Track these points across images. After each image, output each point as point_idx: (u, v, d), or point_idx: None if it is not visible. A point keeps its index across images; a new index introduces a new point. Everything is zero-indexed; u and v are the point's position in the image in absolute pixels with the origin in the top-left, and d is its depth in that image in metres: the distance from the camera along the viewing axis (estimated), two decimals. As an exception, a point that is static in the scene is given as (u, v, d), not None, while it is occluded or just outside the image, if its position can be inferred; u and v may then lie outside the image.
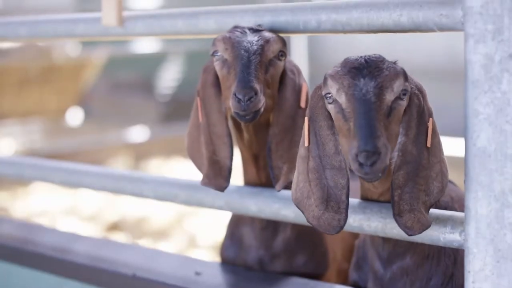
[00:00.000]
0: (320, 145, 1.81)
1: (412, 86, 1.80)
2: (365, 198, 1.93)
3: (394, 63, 1.79)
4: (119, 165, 6.66)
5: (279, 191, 2.08)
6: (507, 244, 1.63)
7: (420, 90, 1.82)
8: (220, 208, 2.22)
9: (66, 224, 4.77)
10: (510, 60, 1.59)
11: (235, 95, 1.93)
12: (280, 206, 2.08)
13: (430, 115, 1.82)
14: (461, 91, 1.73)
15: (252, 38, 2.04)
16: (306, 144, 1.83)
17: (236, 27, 2.09)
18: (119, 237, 4.52)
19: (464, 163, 1.68)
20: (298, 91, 2.11)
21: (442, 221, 1.80)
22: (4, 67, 8.09)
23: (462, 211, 1.96)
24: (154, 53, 10.33)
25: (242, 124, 2.11)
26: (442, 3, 1.78)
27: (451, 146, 4.73)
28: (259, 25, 2.10)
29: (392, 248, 1.94)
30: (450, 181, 2.12)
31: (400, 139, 1.75)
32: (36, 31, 2.72)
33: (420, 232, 1.75)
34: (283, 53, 2.07)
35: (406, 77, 1.76)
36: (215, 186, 2.09)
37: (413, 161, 1.76)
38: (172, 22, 2.33)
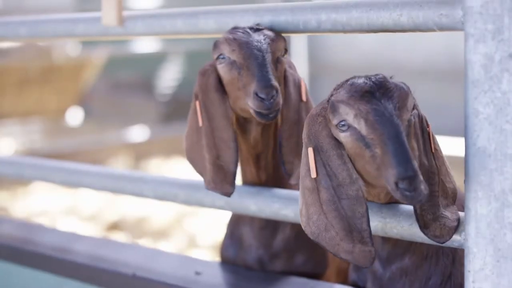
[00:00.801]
0: (332, 176, 1.75)
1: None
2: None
3: (391, 77, 1.77)
4: (119, 165, 6.66)
5: (295, 184, 2.07)
6: (507, 244, 1.63)
7: (414, 98, 1.80)
8: (220, 207, 2.22)
9: (66, 224, 4.77)
10: (510, 60, 1.59)
11: (256, 94, 1.91)
12: (280, 206, 2.08)
13: (426, 120, 1.81)
14: (461, 91, 1.73)
15: (258, 37, 2.03)
16: (314, 175, 1.77)
17: (235, 28, 2.08)
18: (119, 236, 4.52)
19: (464, 162, 1.68)
20: (298, 85, 2.12)
21: (442, 221, 1.79)
22: (4, 67, 8.10)
23: (460, 210, 1.96)
24: (154, 53, 10.34)
25: (254, 124, 2.11)
26: (442, 2, 1.77)
27: (451, 146, 4.73)
28: (258, 24, 2.10)
29: (391, 249, 1.94)
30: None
31: (416, 153, 1.73)
32: (36, 31, 2.72)
33: (451, 237, 1.74)
34: (286, 50, 2.08)
35: (410, 91, 1.75)
36: (221, 191, 2.08)
37: (426, 172, 1.74)
38: (172, 21, 2.33)
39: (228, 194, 2.07)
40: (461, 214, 1.78)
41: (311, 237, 1.79)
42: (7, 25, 2.82)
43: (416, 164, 1.59)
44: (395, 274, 1.95)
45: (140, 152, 7.03)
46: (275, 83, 1.93)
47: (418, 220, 1.73)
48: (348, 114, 1.70)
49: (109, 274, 2.41)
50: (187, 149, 2.18)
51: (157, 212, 5.01)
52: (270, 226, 2.26)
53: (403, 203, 1.63)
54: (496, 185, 1.63)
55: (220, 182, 2.08)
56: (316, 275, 2.27)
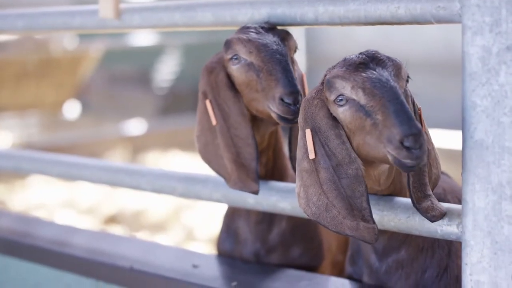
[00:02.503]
0: (331, 156, 1.76)
1: None
2: None
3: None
4: (117, 158, 6.65)
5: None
6: (504, 236, 1.63)
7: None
8: (218, 200, 2.22)
9: (63, 217, 4.77)
10: (508, 52, 1.59)
11: (282, 100, 1.91)
12: (277, 199, 2.08)
13: (418, 104, 1.82)
14: (459, 84, 1.73)
15: (273, 38, 2.02)
16: (312, 156, 1.78)
17: (247, 27, 2.06)
18: (116, 230, 4.52)
19: (461, 155, 1.68)
20: (302, 80, 2.11)
21: (440, 214, 1.80)
22: (1, 60, 8.08)
23: (455, 202, 1.97)
24: (151, 45, 10.32)
25: (265, 123, 2.11)
26: (440, -5, 1.77)
27: (449, 139, 4.73)
28: (267, 22, 2.08)
29: (387, 241, 1.95)
30: (443, 172, 2.12)
31: None
32: (33, 23, 2.71)
33: (441, 218, 1.75)
34: (296, 49, 2.08)
35: (402, 65, 1.77)
36: (249, 190, 2.06)
37: None
38: (169, 14, 2.33)
39: (256, 192, 2.06)
40: (459, 207, 1.78)
41: (312, 218, 1.80)
42: (4, 18, 2.81)
43: (418, 123, 1.60)
44: (391, 267, 1.96)
45: (138, 145, 7.02)
46: (299, 87, 1.93)
47: (411, 195, 1.74)
48: (344, 87, 1.72)
49: (106, 267, 2.41)
50: (200, 150, 2.15)
51: (154, 205, 5.01)
52: (266, 220, 2.26)
53: (405, 168, 1.62)
54: (494, 177, 1.63)
55: (246, 179, 2.06)
56: (312, 268, 2.27)
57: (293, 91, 1.91)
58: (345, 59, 1.77)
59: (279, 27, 2.09)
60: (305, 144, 1.80)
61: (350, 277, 2.10)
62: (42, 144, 6.65)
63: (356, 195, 1.74)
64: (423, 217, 1.80)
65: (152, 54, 10.70)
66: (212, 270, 2.28)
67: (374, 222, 1.74)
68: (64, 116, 9.07)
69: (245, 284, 2.16)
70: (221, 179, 2.18)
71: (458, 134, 1.73)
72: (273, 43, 2.01)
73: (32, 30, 2.75)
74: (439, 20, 1.80)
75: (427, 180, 1.76)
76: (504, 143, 1.61)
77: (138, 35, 10.00)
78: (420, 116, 1.80)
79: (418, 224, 1.81)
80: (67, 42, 9.05)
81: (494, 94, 1.61)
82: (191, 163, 6.07)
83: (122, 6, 2.43)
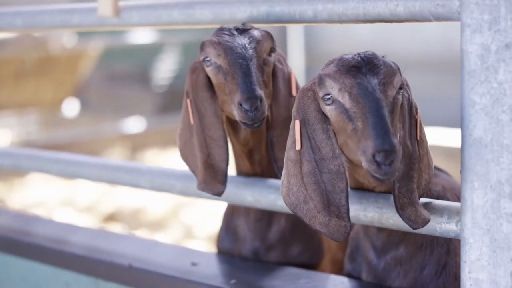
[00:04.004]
0: (315, 149, 1.77)
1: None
2: (355, 188, 1.93)
3: (383, 57, 1.78)
4: (116, 156, 6.65)
5: None
6: (503, 234, 1.63)
7: (407, 84, 1.81)
8: (217, 198, 2.22)
9: (62, 215, 4.76)
10: (507, 50, 1.59)
11: (241, 105, 1.90)
12: (276, 197, 2.08)
13: (417, 108, 1.82)
14: (458, 82, 1.73)
15: (243, 40, 2.01)
16: (298, 147, 1.80)
17: (222, 28, 2.05)
18: (115, 228, 4.51)
19: (460, 153, 1.68)
20: (288, 80, 2.11)
21: (438, 211, 1.80)
22: (0, 58, 8.08)
23: (454, 200, 1.97)
24: (150, 43, 10.30)
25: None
26: (439, -7, 1.77)
27: (448, 137, 4.73)
28: (244, 24, 2.08)
29: (386, 238, 1.95)
30: (442, 171, 2.13)
31: (399, 133, 1.74)
32: (32, 21, 2.71)
33: (423, 226, 1.74)
34: (273, 49, 2.06)
35: (400, 72, 1.76)
36: (212, 191, 2.07)
37: (408, 155, 1.76)
38: (168, 12, 2.32)
39: (219, 194, 2.06)
40: (458, 204, 1.78)
41: (289, 208, 1.82)
42: (3, 16, 2.81)
43: (396, 140, 1.60)
44: (390, 264, 1.96)
45: (137, 143, 7.02)
46: (259, 92, 1.91)
47: (395, 201, 1.74)
48: (333, 87, 1.73)
49: (105, 265, 2.41)
50: (180, 147, 2.17)
51: (153, 203, 5.00)
52: (265, 218, 2.26)
53: (375, 179, 1.63)
54: (493, 175, 1.63)
55: (211, 181, 2.07)
56: (311, 266, 2.27)
57: (250, 97, 1.89)
58: (341, 58, 1.77)
59: (277, 25, 2.09)
60: (294, 134, 1.81)
61: (349, 275, 2.10)
62: (41, 142, 6.64)
63: (336, 190, 1.76)
64: (422, 215, 1.80)
65: (151, 52, 10.69)
66: (211, 268, 2.28)
67: (349, 220, 1.75)
68: (63, 114, 9.07)
69: (244, 281, 2.16)
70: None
71: (457, 132, 1.73)
72: (239, 46, 1.99)
73: (31, 28, 2.75)
74: (438, 18, 1.80)
75: (415, 186, 1.76)
76: (503, 141, 1.61)
77: (137, 33, 10.00)
78: (416, 122, 1.80)
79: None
80: (66, 40, 9.04)
81: (493, 92, 1.61)
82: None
83: (121, 4, 2.43)
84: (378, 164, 1.59)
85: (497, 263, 1.65)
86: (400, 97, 1.74)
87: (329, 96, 1.73)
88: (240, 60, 1.97)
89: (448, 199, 2.00)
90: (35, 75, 8.34)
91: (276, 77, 2.08)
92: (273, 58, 2.07)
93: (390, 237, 1.94)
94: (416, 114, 1.81)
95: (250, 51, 1.99)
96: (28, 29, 2.77)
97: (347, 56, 1.76)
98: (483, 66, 1.62)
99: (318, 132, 1.77)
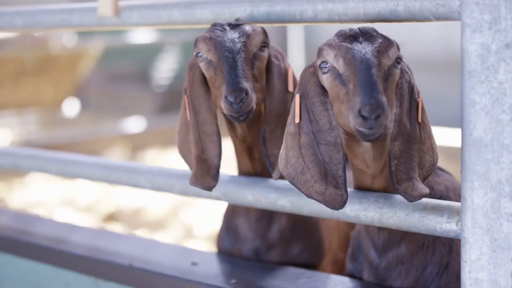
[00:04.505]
0: (313, 121, 1.81)
1: (403, 63, 1.83)
2: (358, 187, 1.94)
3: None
4: (116, 156, 6.65)
5: (276, 179, 2.08)
6: (503, 234, 1.63)
7: (409, 68, 1.84)
8: (217, 198, 2.22)
9: (62, 215, 4.77)
10: (507, 49, 1.59)
11: (226, 98, 1.91)
12: (277, 196, 2.08)
13: (419, 92, 1.84)
14: (458, 81, 1.73)
15: (233, 35, 2.02)
16: (297, 120, 1.84)
17: (215, 24, 2.07)
18: (115, 227, 4.52)
19: (460, 153, 1.68)
20: (284, 75, 2.12)
21: (439, 211, 1.80)
22: (0, 58, 8.08)
23: (457, 200, 1.97)
24: (150, 43, 10.31)
25: None
26: (439, -8, 1.77)
27: (448, 137, 4.73)
28: (238, 19, 2.09)
29: (387, 237, 1.95)
30: (444, 171, 2.13)
31: (395, 111, 1.77)
32: (32, 21, 2.71)
33: (420, 198, 1.76)
34: (265, 44, 2.07)
35: (398, 47, 1.79)
36: (203, 186, 2.08)
37: (407, 133, 1.78)
38: (168, 12, 2.32)
39: (210, 188, 2.08)
40: (458, 204, 1.78)
41: (287, 179, 1.85)
42: (3, 16, 2.81)
43: (384, 99, 1.63)
44: (391, 262, 1.96)
45: (137, 143, 7.02)
46: (244, 85, 1.92)
47: (391, 176, 1.76)
48: (329, 54, 1.76)
49: (105, 264, 2.41)
50: (178, 144, 2.19)
51: (153, 202, 5.01)
52: (266, 217, 2.26)
53: (361, 136, 1.66)
54: (493, 175, 1.63)
55: (202, 175, 2.08)
56: (312, 266, 2.27)
57: (235, 89, 1.91)
58: (339, 31, 1.81)
59: (277, 24, 2.09)
60: (294, 109, 1.85)
61: (350, 274, 2.10)
62: (41, 141, 6.65)
63: (333, 161, 1.79)
64: (422, 215, 1.80)
65: (151, 52, 10.70)
66: (211, 268, 2.28)
67: (345, 191, 1.78)
68: (63, 114, 9.07)
69: (245, 281, 2.16)
70: (221, 177, 2.19)
71: (457, 131, 1.73)
72: (228, 41, 2.01)
73: (31, 27, 2.75)
74: (438, 18, 1.80)
75: (415, 164, 1.78)
76: (503, 141, 1.61)
77: (137, 32, 10.00)
78: (418, 104, 1.82)
79: (417, 222, 1.81)
80: (66, 39, 9.04)
81: (493, 92, 1.61)
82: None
83: (121, 3, 2.43)
84: (364, 118, 1.62)
85: (497, 262, 1.65)
86: (397, 71, 1.78)
87: (326, 64, 1.77)
88: (227, 54, 1.99)
89: (451, 199, 2.00)
90: (35, 75, 8.35)
91: (271, 72, 2.10)
92: (266, 53, 2.08)
93: (391, 235, 1.94)
94: (418, 98, 1.83)
95: (238, 45, 2.01)
96: (28, 28, 2.76)
97: (346, 29, 1.81)
98: (483, 66, 1.62)
99: (316, 104, 1.81)
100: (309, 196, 1.81)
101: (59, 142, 6.63)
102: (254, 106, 1.96)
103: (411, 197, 1.75)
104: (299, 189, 1.83)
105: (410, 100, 1.80)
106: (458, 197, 2.02)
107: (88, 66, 9.00)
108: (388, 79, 1.73)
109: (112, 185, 2.77)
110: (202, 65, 2.06)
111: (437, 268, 1.95)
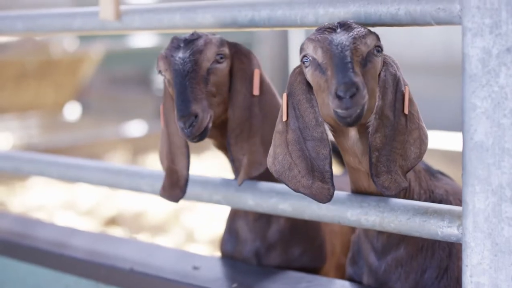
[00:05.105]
0: (299, 118, 1.83)
1: (387, 57, 1.84)
2: (356, 190, 1.94)
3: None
4: (117, 160, 6.65)
5: (240, 185, 2.11)
6: (504, 238, 1.63)
7: (395, 62, 1.86)
8: (218, 202, 2.22)
9: (63, 219, 4.76)
10: (508, 54, 1.59)
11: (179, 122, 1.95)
12: (277, 200, 2.08)
13: (406, 84, 1.85)
14: (459, 85, 1.73)
15: (184, 54, 2.04)
16: (285, 118, 1.86)
17: (172, 41, 2.10)
18: (116, 231, 4.51)
19: (461, 157, 1.68)
20: (249, 79, 2.13)
21: (440, 215, 1.80)
22: (1, 62, 8.08)
23: (457, 204, 1.97)
24: (151, 47, 10.31)
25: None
26: (440, -3, 1.77)
27: (449, 141, 4.73)
28: (194, 33, 2.10)
29: (386, 239, 1.95)
30: (445, 175, 2.13)
31: (377, 103, 1.77)
32: (33, 25, 2.71)
33: (396, 192, 1.78)
34: (222, 55, 2.09)
35: (378, 37, 1.81)
36: (170, 197, 2.13)
37: (389, 125, 1.79)
38: (169, 16, 2.32)
39: (177, 200, 2.11)
40: (459, 208, 1.78)
41: (275, 175, 1.88)
42: (4, 20, 2.81)
43: (358, 78, 1.66)
44: (391, 265, 1.96)
45: (138, 147, 7.02)
46: (193, 108, 1.94)
47: (371, 168, 1.77)
48: (309, 47, 1.79)
49: (106, 268, 2.41)
50: (159, 152, 2.25)
51: (154, 206, 5.00)
52: (264, 217, 2.26)
53: (339, 119, 1.67)
54: (494, 179, 1.63)
55: (171, 187, 2.13)
56: (313, 269, 2.27)
57: (183, 115, 1.93)
58: (319, 26, 1.85)
59: (278, 29, 2.09)
60: (282, 108, 1.88)
61: (350, 279, 2.10)
62: (42, 145, 6.65)
63: (320, 157, 1.81)
64: (423, 219, 1.80)
65: (152, 56, 10.64)
66: (213, 272, 2.28)
67: (332, 185, 1.80)
68: (65, 118, 9.07)
69: (246, 285, 2.16)
70: (221, 181, 2.19)
71: (458, 135, 1.73)
72: (179, 62, 2.03)
73: (32, 31, 2.75)
74: (439, 22, 1.80)
75: (396, 157, 1.79)
76: (504, 145, 1.61)
77: (138, 36, 10.00)
78: (403, 96, 1.82)
79: (418, 226, 1.81)
80: (67, 43, 9.05)
81: (494, 96, 1.61)
82: (190, 165, 6.05)
83: (123, 7, 2.43)
84: (340, 98, 1.63)
85: (498, 267, 1.65)
86: (377, 59, 1.79)
87: (307, 58, 1.80)
88: (175, 79, 2.01)
89: (451, 203, 2.00)
90: (36, 78, 8.35)
91: (235, 77, 2.12)
92: (225, 63, 2.09)
93: (390, 238, 1.95)
94: (405, 89, 1.83)
95: (188, 65, 2.02)
96: (30, 32, 2.77)
97: (325, 23, 1.85)
98: (484, 70, 1.62)
99: (302, 102, 1.83)
100: (296, 191, 1.84)
101: (60, 146, 6.63)
102: (210, 125, 1.98)
103: (388, 191, 1.77)
104: (286, 185, 1.86)
105: (395, 93, 1.81)
106: (458, 201, 2.02)
107: (90, 70, 9.01)
108: (367, 65, 1.75)
109: (113, 189, 2.76)
110: (165, 82, 2.11)
111: (437, 272, 1.96)
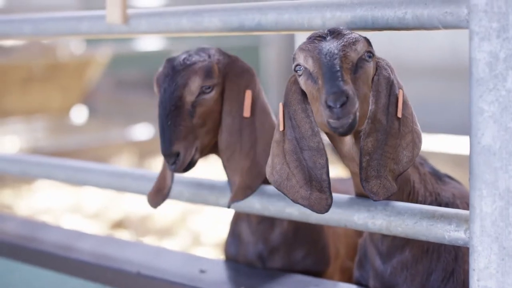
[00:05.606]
0: (295, 128, 1.83)
1: (381, 60, 1.84)
2: (359, 194, 1.94)
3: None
4: (123, 163, 6.66)
5: (228, 208, 2.13)
6: (511, 242, 1.63)
7: (389, 65, 1.85)
8: (224, 206, 2.22)
9: (70, 222, 4.78)
10: (515, 58, 1.58)
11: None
12: (284, 204, 2.07)
13: (400, 88, 1.84)
14: (466, 89, 1.73)
15: (169, 86, 2.05)
16: (281, 128, 1.86)
17: (166, 61, 2.12)
18: (123, 234, 4.52)
19: (469, 161, 1.67)
20: (240, 101, 2.13)
21: (447, 219, 1.79)
22: (8, 65, 8.10)
23: (464, 208, 1.96)
24: (158, 51, 10.33)
25: None
26: (447, 1, 1.77)
27: (456, 144, 4.73)
28: (185, 59, 2.11)
29: (390, 242, 1.95)
30: (453, 179, 2.12)
31: (370, 107, 1.77)
32: (40, 28, 2.72)
33: (385, 197, 1.77)
34: (208, 86, 2.08)
35: (369, 43, 1.81)
36: (151, 202, 2.20)
37: (382, 130, 1.78)
38: (176, 20, 2.33)
39: (156, 206, 2.21)
40: (466, 212, 1.78)
41: (274, 185, 1.88)
42: (11, 23, 2.81)
43: (348, 87, 1.65)
44: (396, 268, 1.96)
45: (144, 150, 7.03)
46: (175, 147, 1.99)
47: (360, 172, 1.77)
48: (300, 57, 1.79)
49: (113, 272, 2.41)
50: None
51: (161, 210, 5.00)
52: (267, 220, 2.26)
53: (332, 129, 1.68)
54: (501, 183, 1.62)
55: (155, 192, 2.19)
56: (317, 272, 2.27)
57: (165, 155, 2.00)
58: (310, 34, 1.84)
59: (285, 32, 2.09)
60: (279, 118, 1.88)
61: (357, 282, 2.10)
62: (48, 148, 6.67)
63: (317, 166, 1.81)
64: (430, 223, 1.80)
65: (159, 59, 10.67)
66: (219, 275, 2.28)
67: (330, 194, 1.80)
68: (71, 121, 9.10)
69: (252, 289, 2.16)
70: (228, 184, 2.20)
71: (465, 139, 1.73)
72: (163, 94, 2.05)
73: (39, 35, 2.75)
74: (446, 26, 1.80)
75: (387, 161, 1.78)
76: (511, 149, 1.61)
77: (145, 40, 10.02)
78: (397, 99, 1.81)
79: (425, 230, 1.81)
80: (74, 47, 9.07)
81: (501, 100, 1.61)
82: (197, 168, 6.07)
83: (130, 11, 2.44)
84: (331, 108, 1.64)
85: (505, 271, 1.65)
86: (369, 64, 1.79)
87: (300, 67, 1.80)
88: (160, 111, 2.03)
89: (457, 207, 2.00)
90: (43, 81, 8.37)
91: (225, 99, 2.12)
92: (212, 93, 2.08)
93: (395, 240, 1.95)
94: (399, 93, 1.82)
95: (172, 102, 2.03)
96: (37, 36, 2.77)
97: (316, 31, 1.84)
98: (492, 74, 1.61)
99: (298, 112, 1.83)
100: (295, 202, 1.84)
101: (67, 149, 6.65)
102: (196, 156, 2.05)
103: (376, 196, 1.77)
104: (285, 195, 1.86)
105: (389, 96, 1.81)
106: (465, 205, 2.02)
107: (96, 73, 9.03)
108: (358, 71, 1.75)
109: (120, 192, 2.76)
110: None
111: (442, 275, 1.95)
